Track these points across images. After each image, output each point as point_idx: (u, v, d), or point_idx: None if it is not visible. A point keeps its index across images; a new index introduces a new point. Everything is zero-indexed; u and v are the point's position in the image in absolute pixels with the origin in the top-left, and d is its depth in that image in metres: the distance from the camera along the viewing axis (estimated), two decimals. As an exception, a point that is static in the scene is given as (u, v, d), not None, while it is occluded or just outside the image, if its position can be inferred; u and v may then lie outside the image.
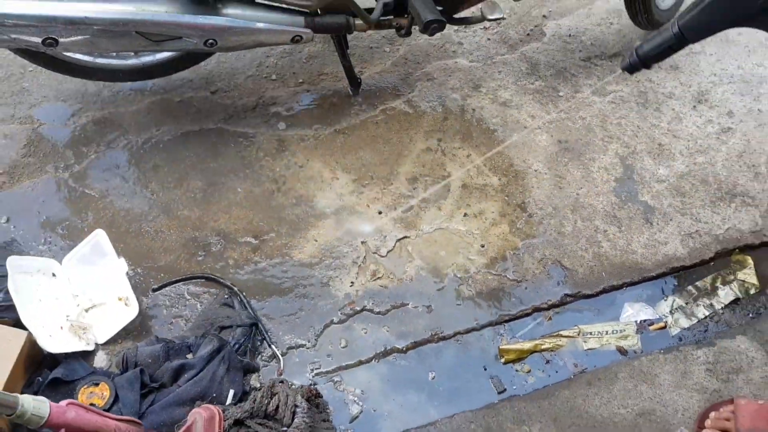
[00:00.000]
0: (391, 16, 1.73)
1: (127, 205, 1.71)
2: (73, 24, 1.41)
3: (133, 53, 1.76)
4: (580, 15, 2.25)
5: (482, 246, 1.65)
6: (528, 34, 2.19)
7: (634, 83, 2.02)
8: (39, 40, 1.42)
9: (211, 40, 1.55)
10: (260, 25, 1.58)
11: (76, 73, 1.78)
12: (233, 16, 1.56)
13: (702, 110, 1.95)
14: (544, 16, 2.25)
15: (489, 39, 2.17)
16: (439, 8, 1.69)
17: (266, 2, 1.62)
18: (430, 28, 1.63)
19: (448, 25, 1.72)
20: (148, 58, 1.78)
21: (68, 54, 1.69)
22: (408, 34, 1.76)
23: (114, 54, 1.75)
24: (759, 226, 1.69)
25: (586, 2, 2.30)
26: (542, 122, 1.92)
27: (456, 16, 1.79)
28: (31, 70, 1.96)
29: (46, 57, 1.66)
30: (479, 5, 1.75)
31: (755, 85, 2.02)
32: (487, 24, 2.14)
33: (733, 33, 2.19)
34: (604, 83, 2.02)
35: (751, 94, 1.99)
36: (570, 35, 2.18)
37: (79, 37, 1.45)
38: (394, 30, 1.76)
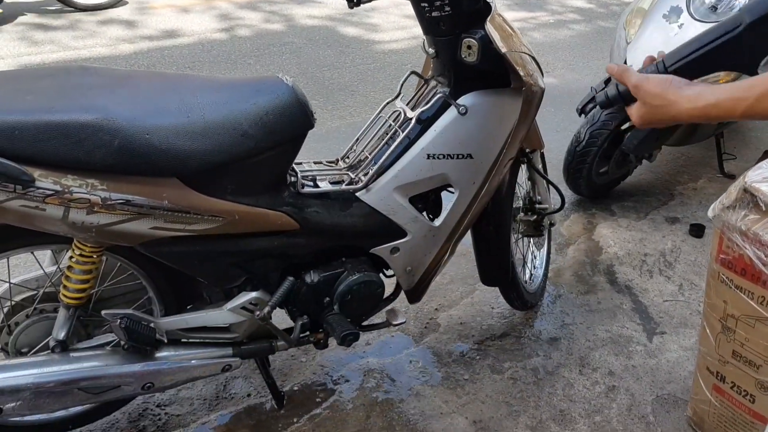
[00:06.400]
0: (308, 333, 1.95)
1: None
2: (19, 391, 1.49)
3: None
4: (466, 304, 2.60)
5: None
6: (426, 327, 2.48)
7: (526, 358, 2.30)
8: (-16, 412, 1.48)
9: (148, 384, 1.67)
10: (193, 362, 1.74)
11: (4, 433, 1.80)
12: (167, 358, 1.71)
13: (587, 373, 2.23)
14: (435, 309, 2.57)
15: (392, 336, 2.42)
16: (348, 319, 1.93)
17: (195, 340, 1.79)
18: (347, 339, 1.84)
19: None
20: (77, 409, 1.84)
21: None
22: (325, 346, 1.96)
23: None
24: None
25: (468, 292, 2.67)
26: (455, 406, 2.11)
27: (365, 324, 2.04)
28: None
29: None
30: (383, 312, 2.03)
31: (624, 345, 2.36)
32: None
33: (593, 302, 2.60)
34: (500, 362, 2.29)
35: (623, 353, 2.32)
36: (461, 323, 2.49)
37: (23, 402, 1.52)
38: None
